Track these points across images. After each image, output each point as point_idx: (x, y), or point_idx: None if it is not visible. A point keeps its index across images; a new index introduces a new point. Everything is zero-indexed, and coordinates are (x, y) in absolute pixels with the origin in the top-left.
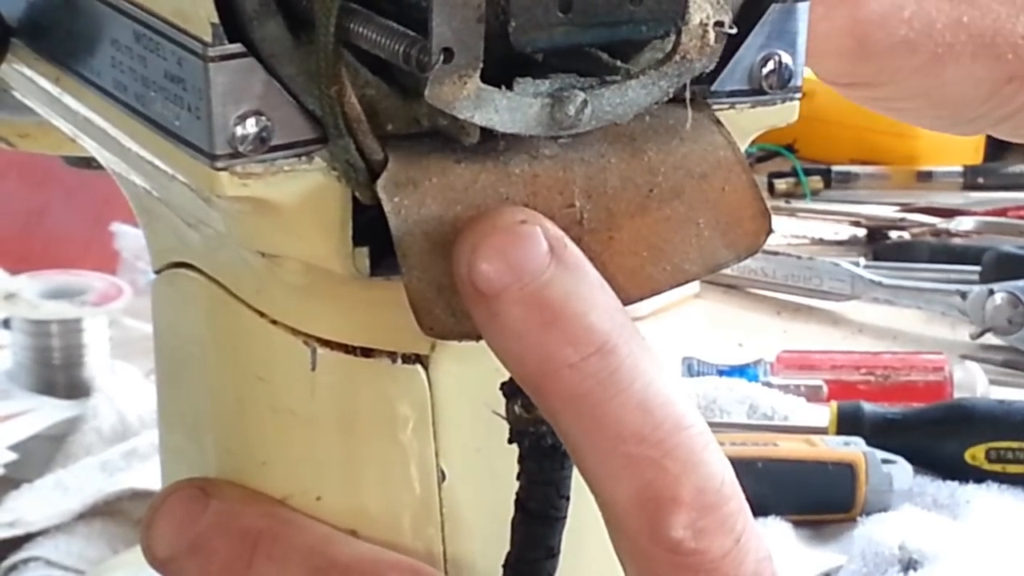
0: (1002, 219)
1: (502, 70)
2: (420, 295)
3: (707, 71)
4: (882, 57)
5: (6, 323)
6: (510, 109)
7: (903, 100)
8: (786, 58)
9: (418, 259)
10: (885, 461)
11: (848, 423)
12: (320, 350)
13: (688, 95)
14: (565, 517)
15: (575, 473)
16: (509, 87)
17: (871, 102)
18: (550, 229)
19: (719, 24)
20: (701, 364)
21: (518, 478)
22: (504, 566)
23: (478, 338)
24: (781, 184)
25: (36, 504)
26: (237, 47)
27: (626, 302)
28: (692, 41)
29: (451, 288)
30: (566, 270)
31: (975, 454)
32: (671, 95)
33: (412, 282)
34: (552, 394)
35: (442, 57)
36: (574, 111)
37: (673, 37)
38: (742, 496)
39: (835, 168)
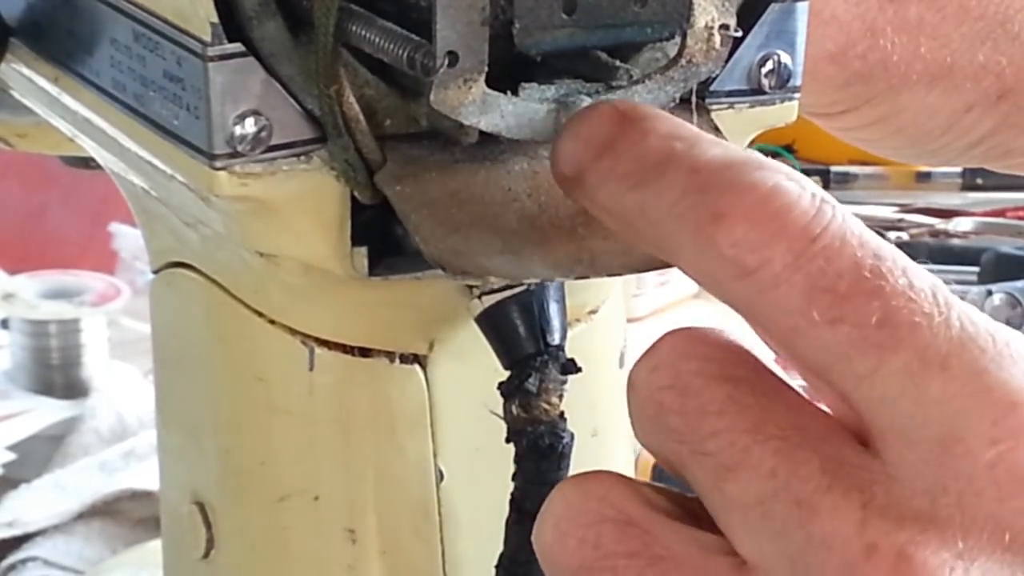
0: (1001, 220)
1: (502, 71)
2: (441, 261)
3: (713, 75)
4: (836, 91)
5: (4, 323)
6: (516, 115)
7: (861, 129)
8: (785, 58)
9: (430, 232)
10: None
11: None
12: (318, 350)
13: (694, 101)
14: None
15: (570, 475)
16: (510, 87)
17: (832, 130)
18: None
19: (724, 27)
20: None
21: (514, 478)
22: (497, 567)
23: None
24: None
25: (35, 504)
26: (236, 47)
27: (650, 269)
28: (697, 45)
29: (468, 253)
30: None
31: None
32: (677, 100)
33: (431, 252)
34: None
35: (447, 61)
36: None
37: (678, 40)
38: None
39: (834, 168)
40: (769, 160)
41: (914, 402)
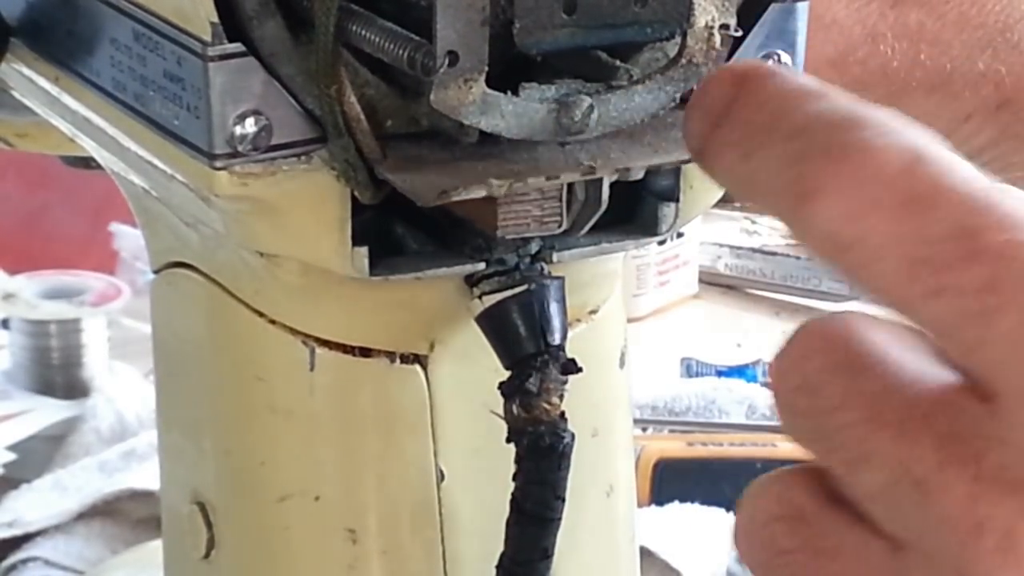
0: None
1: (502, 71)
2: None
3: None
4: None
5: (5, 323)
6: (516, 115)
7: None
8: (785, 58)
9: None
10: None
11: None
12: (319, 350)
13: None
14: (560, 518)
15: (571, 475)
16: (510, 87)
17: None
18: None
19: (724, 27)
20: (700, 365)
21: (515, 478)
22: (498, 567)
23: None
24: None
25: (35, 504)
26: (236, 46)
27: None
28: (698, 44)
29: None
30: None
31: None
32: (677, 100)
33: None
34: None
35: (447, 61)
36: (580, 116)
37: (678, 40)
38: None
39: None
40: (867, 113)
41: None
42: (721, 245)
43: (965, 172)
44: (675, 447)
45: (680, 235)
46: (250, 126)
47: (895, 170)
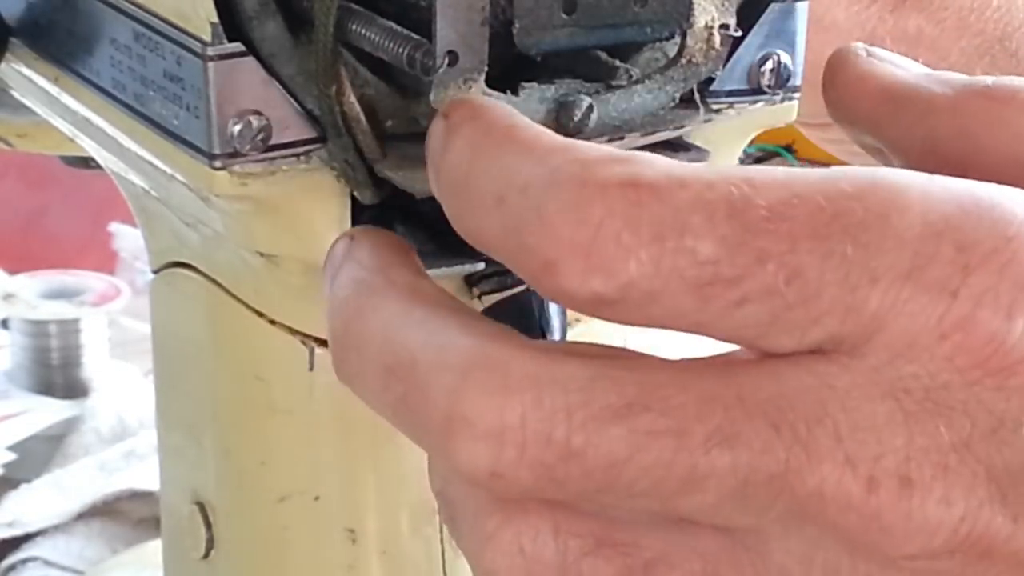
0: None
1: (502, 71)
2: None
3: (713, 75)
4: None
5: (5, 323)
6: None
7: (851, 143)
8: (785, 58)
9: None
10: None
11: None
12: (318, 350)
13: (698, 99)
14: None
15: None
16: (510, 87)
17: (822, 142)
18: None
19: (724, 27)
20: None
21: None
22: None
23: None
24: None
25: (35, 504)
26: (236, 46)
27: None
28: (697, 45)
29: None
30: None
31: None
32: (677, 100)
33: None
34: None
35: (447, 60)
36: (580, 116)
37: (678, 40)
38: None
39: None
40: (562, 148)
41: (856, 327)
42: None
43: (690, 178)
44: None
45: None
46: (250, 126)
47: (623, 208)
